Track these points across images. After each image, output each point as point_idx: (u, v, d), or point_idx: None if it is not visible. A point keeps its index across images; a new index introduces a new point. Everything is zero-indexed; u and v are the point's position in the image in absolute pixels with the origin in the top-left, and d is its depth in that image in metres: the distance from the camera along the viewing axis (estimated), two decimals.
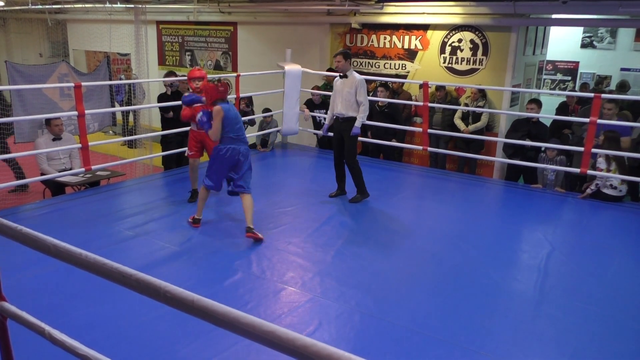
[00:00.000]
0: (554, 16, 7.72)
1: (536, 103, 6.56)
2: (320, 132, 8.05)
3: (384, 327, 3.20)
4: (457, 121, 7.41)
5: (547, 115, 7.17)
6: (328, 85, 8.58)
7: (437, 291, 3.73)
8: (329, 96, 8.13)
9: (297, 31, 9.72)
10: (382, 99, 7.47)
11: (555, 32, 9.57)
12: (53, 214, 5.04)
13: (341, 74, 5.47)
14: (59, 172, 5.93)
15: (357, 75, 5.43)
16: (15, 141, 7.42)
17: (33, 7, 11.87)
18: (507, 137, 6.84)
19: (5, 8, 12.81)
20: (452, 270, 4.07)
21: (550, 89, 10.45)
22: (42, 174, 5.98)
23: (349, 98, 5.40)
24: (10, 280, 3.53)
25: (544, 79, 10.21)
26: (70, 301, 3.36)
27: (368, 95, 7.98)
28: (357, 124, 5.40)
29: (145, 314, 3.17)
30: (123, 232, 4.53)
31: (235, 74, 7.44)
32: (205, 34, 11.24)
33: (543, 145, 6.30)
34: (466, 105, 7.55)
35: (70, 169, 6.06)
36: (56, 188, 6.10)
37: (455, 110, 7.46)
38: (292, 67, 7.60)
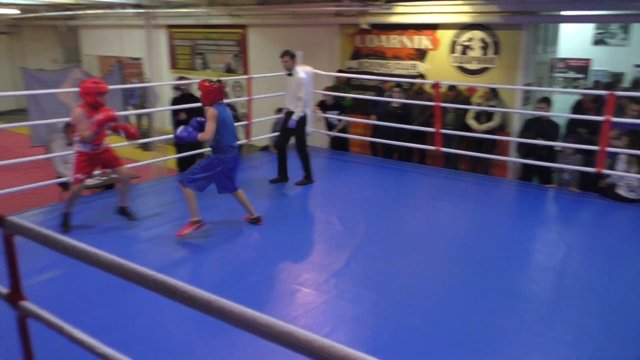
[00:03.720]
0: (564, 13, 7.65)
1: (546, 102, 6.50)
2: (332, 133, 8.07)
3: (399, 329, 3.19)
4: (470, 121, 7.36)
5: (558, 114, 7.10)
6: (338, 86, 8.59)
7: (452, 293, 3.71)
8: (341, 97, 8.19)
9: (306, 33, 9.73)
10: (397, 100, 7.45)
11: (566, 29, 9.48)
12: None
13: (288, 73, 5.89)
14: None
15: (301, 73, 5.88)
16: (31, 145, 7.53)
17: (46, 14, 12.04)
18: (519, 136, 6.79)
19: (19, 16, 13.01)
20: (466, 271, 4.04)
21: (563, 87, 10.34)
22: (59, 177, 6.05)
23: (294, 94, 5.86)
24: (31, 280, 3.58)
25: (556, 77, 10.12)
26: (88, 301, 3.40)
27: (383, 95, 8.02)
28: (295, 116, 5.85)
29: (162, 314, 3.19)
30: (139, 234, 4.56)
31: (246, 77, 7.48)
32: (216, 37, 11.30)
33: (555, 144, 6.24)
34: (478, 104, 7.50)
35: None
36: None
37: (467, 110, 7.42)
38: (303, 69, 7.60)
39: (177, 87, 7.57)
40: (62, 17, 13.08)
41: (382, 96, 8.10)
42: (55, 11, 12.09)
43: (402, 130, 7.29)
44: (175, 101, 7.47)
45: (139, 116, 10.82)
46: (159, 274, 1.41)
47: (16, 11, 12.12)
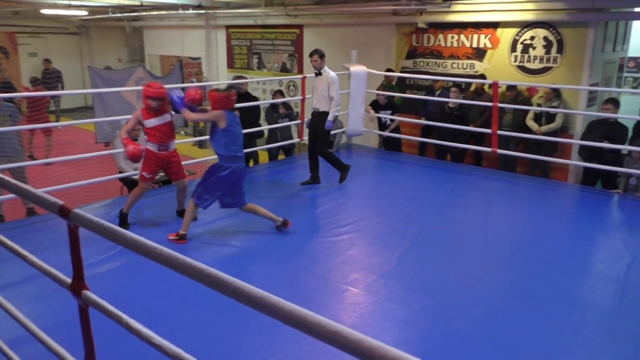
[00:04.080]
0: (638, 9, 7.24)
1: (613, 103, 6.17)
2: (384, 133, 8.01)
3: (449, 333, 3.13)
4: (530, 122, 7.10)
5: (626, 115, 6.71)
6: (386, 86, 8.53)
7: (506, 298, 3.59)
8: (395, 97, 8.12)
9: (362, 32, 9.70)
10: (454, 100, 7.31)
11: (638, 26, 8.97)
12: None
13: (316, 72, 5.83)
14: (135, 170, 6.25)
15: (331, 72, 5.81)
16: (96, 141, 7.90)
17: (113, 15, 12.60)
18: (582, 139, 6.48)
19: (88, 17, 13.67)
20: (521, 277, 3.91)
21: (633, 87, 9.80)
22: (120, 172, 6.32)
23: (323, 94, 5.78)
24: (92, 271, 3.76)
25: (625, 77, 9.60)
26: (145, 292, 3.54)
27: (434, 95, 7.89)
28: (330, 117, 5.79)
29: (214, 308, 3.27)
30: (193, 229, 4.69)
31: (301, 76, 7.55)
32: (272, 37, 11.46)
33: (621, 147, 5.92)
34: (539, 105, 7.23)
35: None
36: (132, 185, 6.41)
37: (526, 111, 7.17)
38: (357, 69, 7.59)
39: (231, 86, 7.74)
40: (127, 18, 13.65)
41: (433, 96, 7.96)
42: (122, 13, 12.63)
43: (456, 131, 7.13)
44: None
45: None
46: (212, 269, 1.44)
47: (85, 12, 12.74)
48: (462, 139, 7.27)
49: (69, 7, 10.52)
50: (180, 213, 4.90)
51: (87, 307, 1.85)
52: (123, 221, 4.68)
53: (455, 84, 7.61)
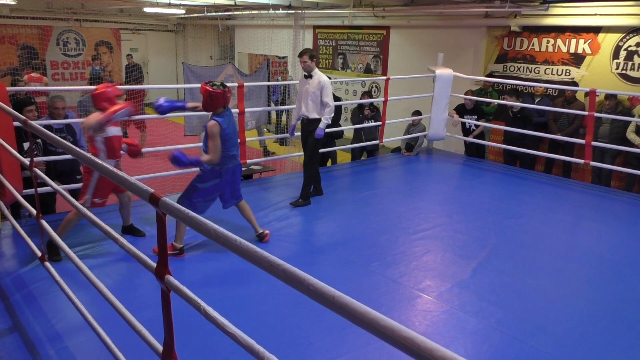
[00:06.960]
0: None
1: None
2: (467, 139, 7.76)
3: (526, 352, 2.98)
4: (631, 135, 6.58)
5: None
6: (483, 90, 8.26)
7: (591, 320, 3.37)
8: (481, 102, 7.84)
9: (451, 35, 9.47)
10: (544, 108, 6.97)
11: None
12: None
13: (306, 74, 5.27)
14: None
15: (323, 76, 5.24)
16: (185, 134, 8.30)
17: (208, 14, 13.18)
18: None
19: (185, 15, 14.41)
20: (611, 299, 3.65)
21: None
22: None
23: (314, 99, 5.23)
24: (175, 258, 3.96)
25: None
26: (222, 282, 3.68)
27: (533, 102, 7.53)
28: (322, 125, 5.23)
29: (286, 303, 3.34)
30: (270, 223, 4.80)
31: (384, 77, 7.50)
32: (358, 37, 11.47)
33: None
34: None
35: None
36: None
37: (627, 123, 6.65)
38: (443, 72, 7.43)
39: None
40: (221, 17, 14.23)
41: (532, 102, 7.60)
42: (216, 12, 13.18)
43: (520, 135, 6.88)
44: None
45: (279, 112, 11.39)
46: (288, 264, 1.47)
47: (182, 11, 13.43)
48: (526, 144, 7.04)
49: (169, 5, 11.13)
50: (128, 229, 4.38)
51: (169, 291, 1.94)
52: (54, 252, 3.81)
53: (513, 89, 7.35)
